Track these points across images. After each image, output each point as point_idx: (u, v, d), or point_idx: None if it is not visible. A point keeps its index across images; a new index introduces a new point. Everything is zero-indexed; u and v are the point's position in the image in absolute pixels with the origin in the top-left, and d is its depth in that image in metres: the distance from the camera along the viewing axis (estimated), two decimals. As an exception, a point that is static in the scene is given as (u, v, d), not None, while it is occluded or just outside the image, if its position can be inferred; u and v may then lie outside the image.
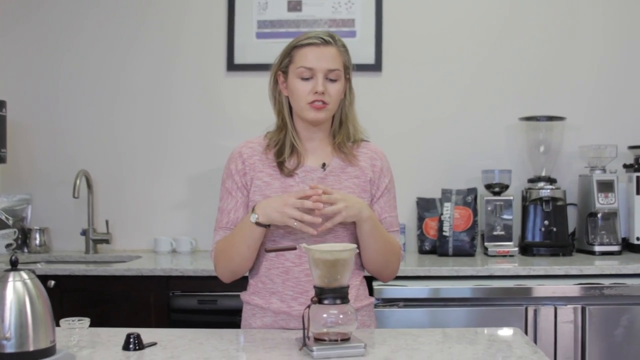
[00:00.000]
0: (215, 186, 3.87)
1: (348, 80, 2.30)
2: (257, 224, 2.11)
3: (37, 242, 3.94)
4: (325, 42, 2.23)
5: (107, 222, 3.94)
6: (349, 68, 2.30)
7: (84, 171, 3.87)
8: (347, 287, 1.87)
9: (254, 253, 2.20)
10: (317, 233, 2.10)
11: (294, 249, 2.07)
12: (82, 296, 3.32)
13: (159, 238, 3.93)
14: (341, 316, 1.85)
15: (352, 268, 1.90)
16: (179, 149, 4.05)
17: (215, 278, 3.20)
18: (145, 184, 4.05)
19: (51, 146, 4.07)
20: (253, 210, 2.12)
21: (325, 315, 1.84)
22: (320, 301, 1.85)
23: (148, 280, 3.32)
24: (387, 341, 1.98)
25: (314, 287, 1.87)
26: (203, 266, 3.35)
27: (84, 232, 3.93)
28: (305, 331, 1.84)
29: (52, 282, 3.24)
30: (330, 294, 1.85)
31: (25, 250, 3.94)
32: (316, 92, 2.19)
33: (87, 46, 4.07)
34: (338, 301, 1.85)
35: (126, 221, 4.03)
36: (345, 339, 1.85)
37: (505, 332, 2.15)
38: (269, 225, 2.12)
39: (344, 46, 2.28)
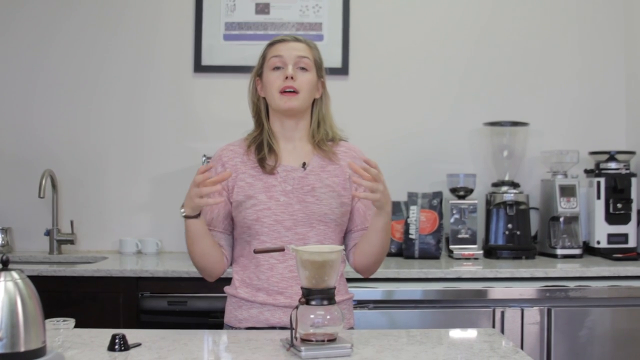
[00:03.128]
0: (181, 187, 3.86)
1: (322, 82, 2.39)
2: (187, 217, 2.19)
3: (0, 241, 3.89)
4: (296, 39, 2.36)
5: (71, 222, 3.90)
6: (321, 66, 2.39)
7: (49, 171, 3.83)
8: (334, 288, 1.90)
9: (206, 249, 2.26)
10: (222, 200, 2.23)
11: (282, 250, 2.10)
12: (49, 297, 3.17)
13: (125, 239, 3.90)
14: (328, 317, 1.87)
15: (338, 269, 1.92)
16: (145, 150, 4.03)
17: (185, 279, 3.26)
18: (111, 185, 4.02)
19: (16, 145, 4.01)
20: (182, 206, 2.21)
21: (312, 316, 1.86)
22: (307, 302, 1.87)
23: (117, 281, 3.29)
24: (371, 342, 2.01)
25: (301, 288, 1.89)
26: (172, 267, 3.34)
27: (48, 233, 3.89)
28: (293, 332, 1.86)
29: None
30: (317, 295, 1.87)
31: (-13, 249, 3.89)
32: (286, 78, 2.28)
33: (55, 48, 4.03)
34: (325, 302, 1.87)
35: (91, 222, 3.99)
36: (332, 340, 1.88)
37: (484, 332, 2.20)
38: (198, 215, 2.18)
39: (314, 45, 2.40)
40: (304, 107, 2.35)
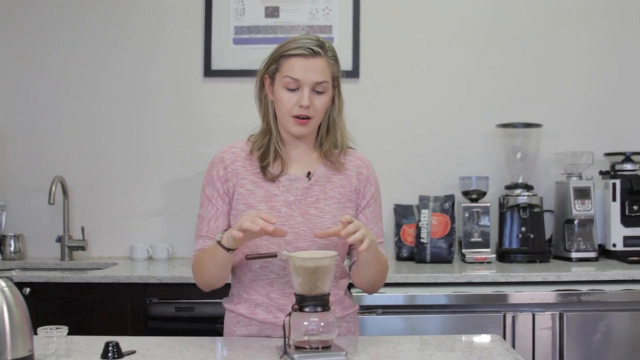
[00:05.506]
0: (192, 193, 3.87)
1: (336, 88, 2.23)
2: (219, 243, 2.04)
3: (12, 248, 3.89)
4: (314, 54, 2.14)
5: (82, 228, 3.90)
6: (338, 78, 2.22)
7: (59, 177, 3.83)
8: (328, 294, 1.86)
9: (224, 272, 2.14)
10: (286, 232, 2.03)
11: (275, 256, 2.02)
12: (58, 304, 3.27)
13: (135, 245, 3.89)
14: (322, 324, 1.84)
15: (333, 275, 1.89)
16: (155, 155, 4.02)
17: (192, 285, 3.17)
18: (121, 190, 4.01)
19: (26, 152, 4.02)
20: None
21: (306, 323, 1.83)
22: (301, 309, 1.84)
23: (125, 287, 3.28)
24: (368, 348, 1.97)
25: (295, 294, 1.86)
26: (180, 273, 3.32)
27: (59, 239, 3.89)
28: (286, 339, 1.83)
29: (28, 290, 3.23)
30: (311, 301, 1.84)
31: (-1, 257, 3.90)
32: (301, 106, 2.13)
33: (64, 52, 4.03)
34: (319, 309, 1.84)
35: (102, 228, 3.99)
36: (326, 347, 1.84)
37: (485, 339, 2.16)
38: (230, 250, 2.03)
39: (334, 56, 2.20)
40: (315, 128, 2.23)
